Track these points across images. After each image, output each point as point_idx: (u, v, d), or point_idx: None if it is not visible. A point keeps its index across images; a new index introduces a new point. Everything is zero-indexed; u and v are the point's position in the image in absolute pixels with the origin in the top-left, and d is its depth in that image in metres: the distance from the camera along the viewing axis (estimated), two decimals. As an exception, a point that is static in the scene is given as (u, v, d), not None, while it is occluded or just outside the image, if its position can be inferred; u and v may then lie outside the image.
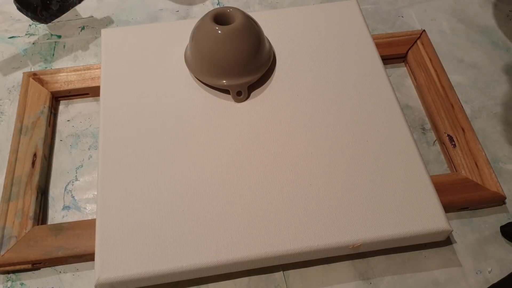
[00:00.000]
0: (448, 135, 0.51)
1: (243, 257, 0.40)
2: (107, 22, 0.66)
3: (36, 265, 0.44)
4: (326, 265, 0.44)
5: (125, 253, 0.40)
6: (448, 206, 0.46)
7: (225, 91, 0.50)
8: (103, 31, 0.57)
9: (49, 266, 0.45)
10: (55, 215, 0.48)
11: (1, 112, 0.56)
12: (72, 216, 0.48)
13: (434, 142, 0.53)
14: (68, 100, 0.57)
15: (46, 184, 0.50)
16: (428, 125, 0.54)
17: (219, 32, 0.48)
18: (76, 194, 0.49)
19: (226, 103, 0.50)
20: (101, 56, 0.54)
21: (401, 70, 0.60)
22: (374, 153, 0.46)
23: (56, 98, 0.57)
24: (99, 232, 0.41)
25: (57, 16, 0.61)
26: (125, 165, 0.45)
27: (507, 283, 0.31)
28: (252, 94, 0.51)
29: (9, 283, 0.44)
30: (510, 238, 0.44)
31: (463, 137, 0.50)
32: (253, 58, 0.49)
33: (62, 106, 0.57)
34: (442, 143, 0.52)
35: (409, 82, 0.59)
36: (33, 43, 0.63)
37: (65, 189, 0.50)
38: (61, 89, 0.56)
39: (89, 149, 0.53)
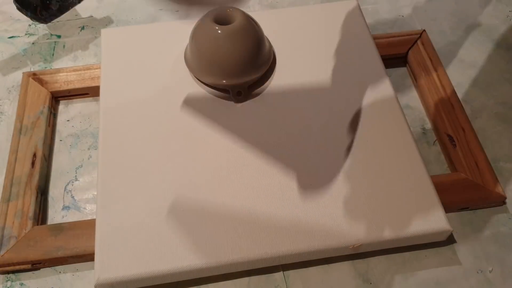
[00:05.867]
0: (448, 135, 0.51)
1: (243, 257, 0.40)
2: (107, 22, 0.66)
3: (35, 265, 0.44)
4: (326, 266, 0.44)
5: (125, 253, 0.40)
6: (448, 206, 0.46)
7: (225, 91, 0.50)
8: (103, 31, 0.57)
9: (49, 266, 0.44)
10: (55, 215, 0.48)
11: (1, 112, 0.56)
12: (72, 216, 0.48)
13: (434, 142, 0.53)
14: (67, 100, 0.57)
15: (45, 184, 0.50)
16: (428, 125, 0.54)
17: (219, 32, 0.48)
18: (76, 194, 0.49)
19: (226, 103, 0.50)
20: (101, 56, 0.54)
21: (402, 70, 0.60)
22: (374, 153, 0.46)
23: (56, 98, 0.57)
24: (99, 232, 0.41)
25: (57, 16, 0.61)
26: (124, 165, 0.45)
27: None
28: (252, 94, 0.51)
29: (8, 283, 0.44)
30: None
31: (463, 137, 0.50)
32: (253, 58, 0.49)
33: (62, 106, 0.57)
34: (442, 143, 0.52)
35: (409, 82, 0.58)
36: (33, 43, 0.63)
37: (65, 189, 0.50)
38: (61, 89, 0.55)
39: (88, 149, 0.53)
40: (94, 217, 0.45)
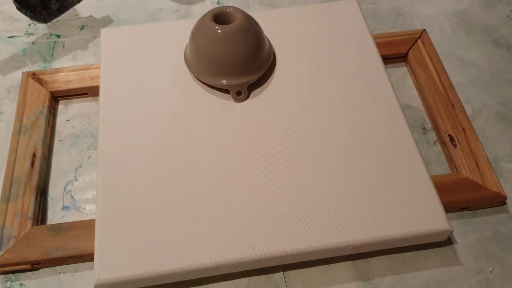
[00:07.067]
0: (448, 135, 0.51)
1: (243, 258, 0.40)
2: (107, 21, 0.66)
3: (35, 266, 0.44)
4: (326, 266, 0.44)
5: (125, 254, 0.40)
6: (449, 206, 0.46)
7: (225, 90, 0.50)
8: (103, 30, 0.57)
9: (49, 267, 0.44)
10: (55, 215, 0.48)
11: (0, 112, 0.56)
12: (71, 216, 0.48)
13: (434, 142, 0.53)
14: (67, 100, 0.57)
15: (45, 184, 0.50)
16: (429, 125, 0.54)
17: (219, 31, 0.48)
18: (76, 194, 0.49)
19: (226, 103, 0.50)
20: (101, 55, 0.54)
21: (402, 70, 0.60)
22: (375, 153, 0.46)
23: (55, 98, 0.56)
24: (99, 232, 0.41)
25: (56, 16, 0.61)
26: (124, 165, 0.45)
27: None
28: (252, 94, 0.51)
29: (8, 283, 0.44)
30: None
31: (463, 137, 0.50)
32: (253, 57, 0.49)
33: (61, 106, 0.56)
34: (442, 143, 0.52)
35: (409, 81, 0.58)
36: (33, 43, 0.63)
37: (65, 189, 0.50)
38: (60, 88, 0.55)
39: (88, 149, 0.53)
40: (94, 217, 0.45)
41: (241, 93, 0.50)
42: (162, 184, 0.44)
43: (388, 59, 0.59)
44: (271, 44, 0.54)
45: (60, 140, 0.54)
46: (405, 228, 0.41)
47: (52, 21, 0.62)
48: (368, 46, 0.54)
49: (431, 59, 0.57)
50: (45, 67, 0.60)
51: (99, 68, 0.56)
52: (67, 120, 0.55)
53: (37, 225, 0.46)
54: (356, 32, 0.55)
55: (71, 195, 0.49)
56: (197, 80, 0.51)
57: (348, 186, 0.43)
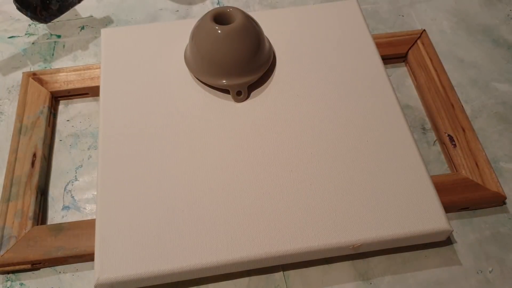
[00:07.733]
0: (448, 135, 0.51)
1: (243, 257, 0.40)
2: (107, 21, 0.66)
3: (35, 265, 0.44)
4: (326, 265, 0.44)
5: (125, 253, 0.40)
6: (448, 206, 0.46)
7: (225, 91, 0.50)
8: (103, 30, 0.57)
9: (49, 266, 0.45)
10: (55, 215, 0.48)
11: (1, 112, 0.56)
12: (71, 216, 0.48)
13: (434, 142, 0.53)
14: (67, 100, 0.57)
15: (45, 184, 0.50)
16: (428, 125, 0.54)
17: (219, 31, 0.48)
18: (76, 194, 0.49)
19: (226, 103, 0.50)
20: (101, 55, 0.54)
21: (401, 70, 0.60)
22: (375, 153, 0.46)
23: (56, 98, 0.57)
24: (99, 232, 0.41)
25: (56, 16, 0.61)
26: (124, 165, 0.45)
27: None
28: (252, 94, 0.51)
29: (8, 283, 0.44)
30: None
31: (463, 137, 0.50)
32: (253, 58, 0.49)
33: (62, 106, 0.57)
34: (442, 143, 0.52)
35: (409, 82, 0.58)
36: (33, 43, 0.63)
37: (65, 189, 0.50)
38: (61, 89, 0.55)
39: (88, 149, 0.53)
40: (94, 217, 0.45)
41: (241, 93, 0.50)
42: (162, 184, 0.44)
43: (388, 59, 0.59)
44: (271, 44, 0.54)
45: (61, 140, 0.54)
46: (405, 228, 0.41)
47: (53, 21, 0.62)
48: (368, 46, 0.54)
49: (430, 59, 0.57)
50: (45, 67, 0.60)
51: (99, 68, 0.56)
52: (68, 120, 0.55)
53: (37, 225, 0.46)
54: (356, 32, 0.56)
55: (71, 195, 0.49)
56: (197, 80, 0.51)
57: (348, 186, 0.44)
